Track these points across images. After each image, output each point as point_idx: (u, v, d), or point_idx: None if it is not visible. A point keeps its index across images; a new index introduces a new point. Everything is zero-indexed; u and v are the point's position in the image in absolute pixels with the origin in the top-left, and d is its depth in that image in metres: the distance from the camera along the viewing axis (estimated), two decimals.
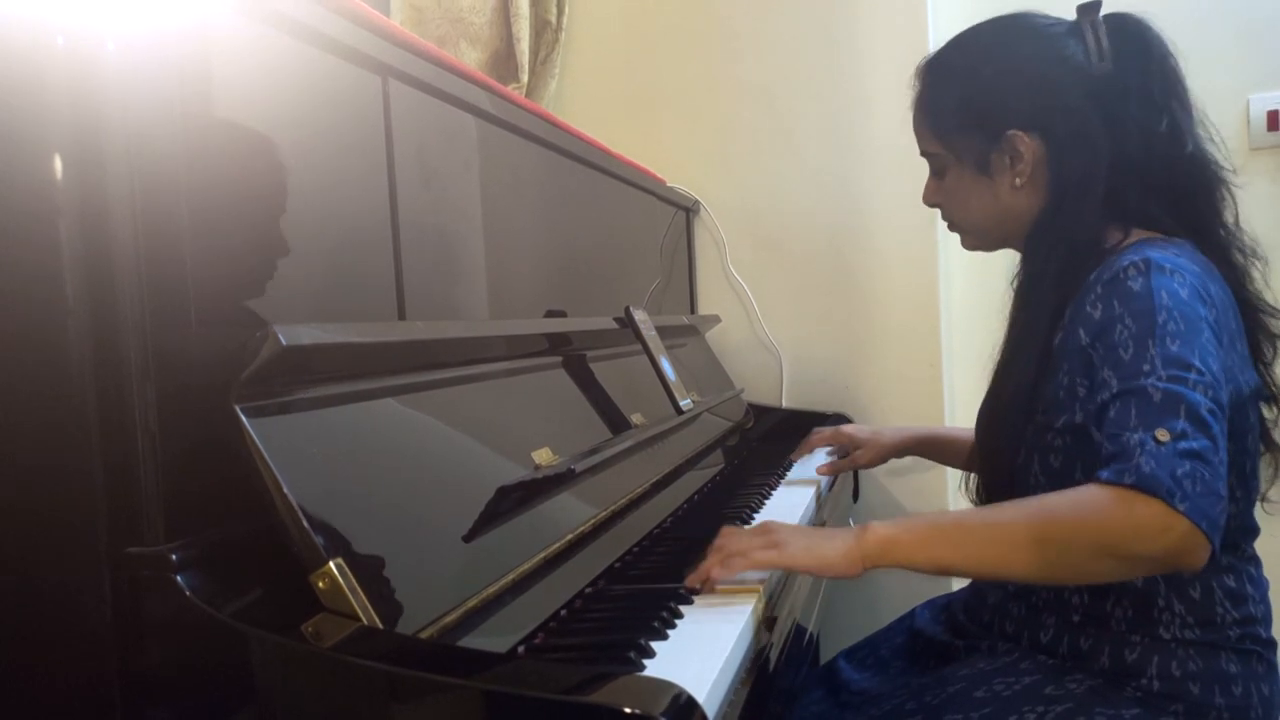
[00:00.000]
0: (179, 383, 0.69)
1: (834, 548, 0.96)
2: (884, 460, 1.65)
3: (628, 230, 1.80)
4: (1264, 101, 2.01)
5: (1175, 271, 0.98)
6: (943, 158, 1.17)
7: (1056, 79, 1.10)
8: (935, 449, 1.63)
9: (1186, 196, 1.09)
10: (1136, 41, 1.10)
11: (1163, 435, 0.88)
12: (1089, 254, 1.06)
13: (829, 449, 1.69)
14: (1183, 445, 0.87)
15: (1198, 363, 0.92)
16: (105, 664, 0.67)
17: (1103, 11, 1.12)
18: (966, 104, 1.14)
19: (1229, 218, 1.12)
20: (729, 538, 1.00)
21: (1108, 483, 0.88)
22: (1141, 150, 1.07)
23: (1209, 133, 1.12)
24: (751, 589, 0.96)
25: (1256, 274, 1.13)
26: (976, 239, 1.21)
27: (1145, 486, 0.86)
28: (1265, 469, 1.11)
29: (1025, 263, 1.15)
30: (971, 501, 1.20)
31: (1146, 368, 0.92)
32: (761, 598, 0.96)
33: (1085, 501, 0.90)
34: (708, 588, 0.97)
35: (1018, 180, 1.11)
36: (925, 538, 0.95)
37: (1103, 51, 1.09)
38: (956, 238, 1.25)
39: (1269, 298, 1.14)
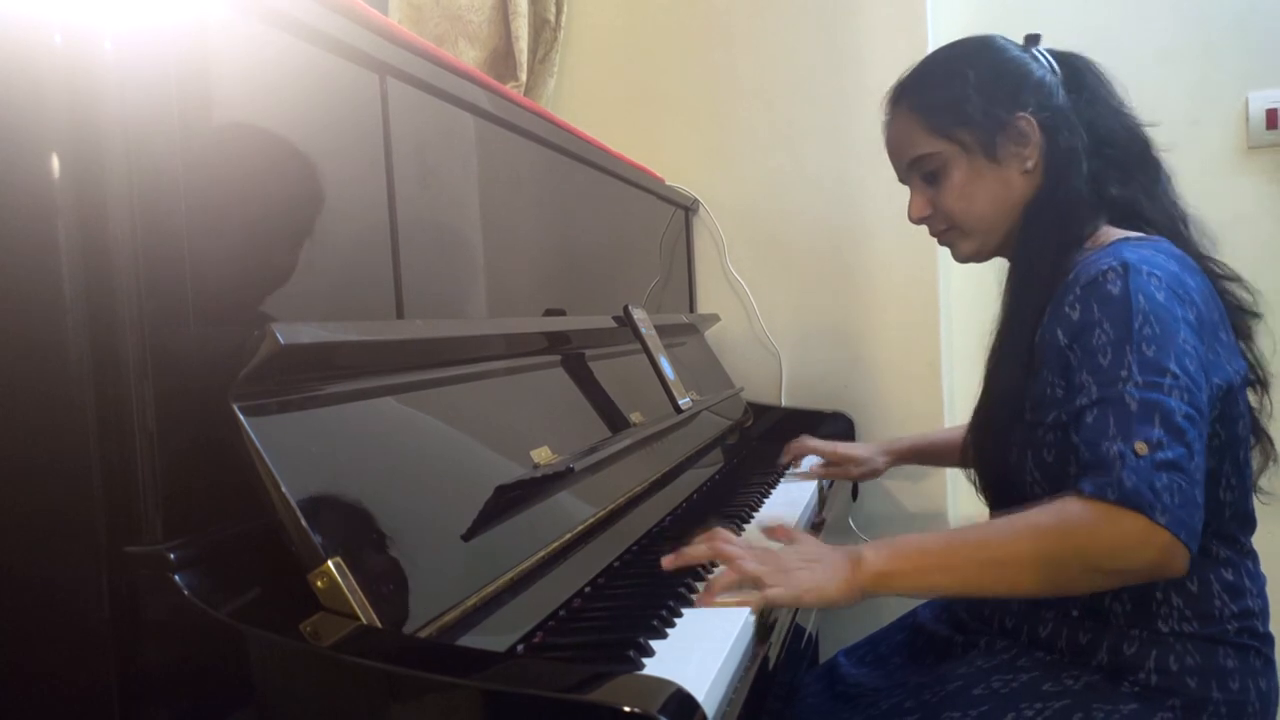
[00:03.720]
0: (177, 382, 0.69)
1: (833, 582, 0.95)
2: (874, 476, 1.71)
3: (627, 229, 1.80)
4: (1263, 100, 2.00)
5: (1152, 274, 1.01)
6: (942, 157, 1.16)
7: (1032, 69, 1.16)
8: (927, 455, 1.68)
9: (1149, 182, 1.15)
10: (1075, 71, 1.18)
11: (1141, 448, 0.91)
12: (1080, 234, 1.10)
13: (820, 461, 1.70)
14: (1160, 456, 0.91)
15: (1173, 367, 0.95)
16: (103, 663, 0.67)
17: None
18: (964, 99, 1.15)
19: (1180, 205, 1.17)
20: (727, 540, 0.99)
21: (1091, 496, 0.92)
22: (1102, 136, 1.14)
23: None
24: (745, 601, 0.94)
25: (1220, 256, 1.16)
26: (980, 239, 1.19)
27: (1128, 501, 0.90)
28: (1255, 459, 1.12)
29: (1020, 249, 1.16)
30: (977, 493, 1.21)
31: (1124, 374, 0.96)
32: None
33: (1071, 519, 0.93)
34: (705, 599, 0.95)
35: (1028, 164, 1.14)
36: (918, 566, 0.97)
37: (1054, 69, 1.17)
38: None
39: (1235, 277, 1.17)
